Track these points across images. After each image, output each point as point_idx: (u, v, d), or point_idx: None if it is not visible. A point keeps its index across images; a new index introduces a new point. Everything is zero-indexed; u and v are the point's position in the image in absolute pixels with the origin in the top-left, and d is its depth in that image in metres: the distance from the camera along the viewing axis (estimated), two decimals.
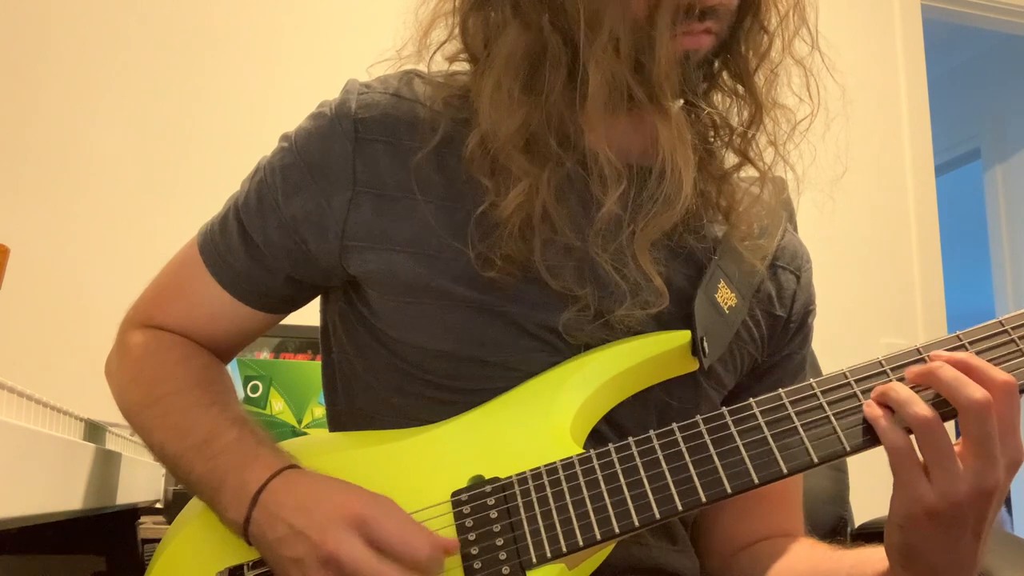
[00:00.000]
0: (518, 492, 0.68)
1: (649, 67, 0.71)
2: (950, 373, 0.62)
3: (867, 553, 0.72)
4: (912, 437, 0.62)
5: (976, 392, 0.61)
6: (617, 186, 0.73)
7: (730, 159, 0.82)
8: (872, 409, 0.64)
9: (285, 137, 0.82)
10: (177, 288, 0.85)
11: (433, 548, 0.63)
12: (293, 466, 0.70)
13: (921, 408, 0.61)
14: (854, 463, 0.91)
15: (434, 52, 0.80)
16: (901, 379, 0.65)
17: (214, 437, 0.72)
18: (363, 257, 0.77)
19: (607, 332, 0.76)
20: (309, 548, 0.63)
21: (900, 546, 0.65)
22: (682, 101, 0.77)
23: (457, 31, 0.79)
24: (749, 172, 0.82)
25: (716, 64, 0.79)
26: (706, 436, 0.67)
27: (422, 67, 0.82)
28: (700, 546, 0.88)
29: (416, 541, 0.63)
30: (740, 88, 0.80)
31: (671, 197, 0.73)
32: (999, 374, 0.62)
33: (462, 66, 0.81)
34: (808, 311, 0.89)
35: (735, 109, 0.80)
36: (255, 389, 1.51)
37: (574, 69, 0.73)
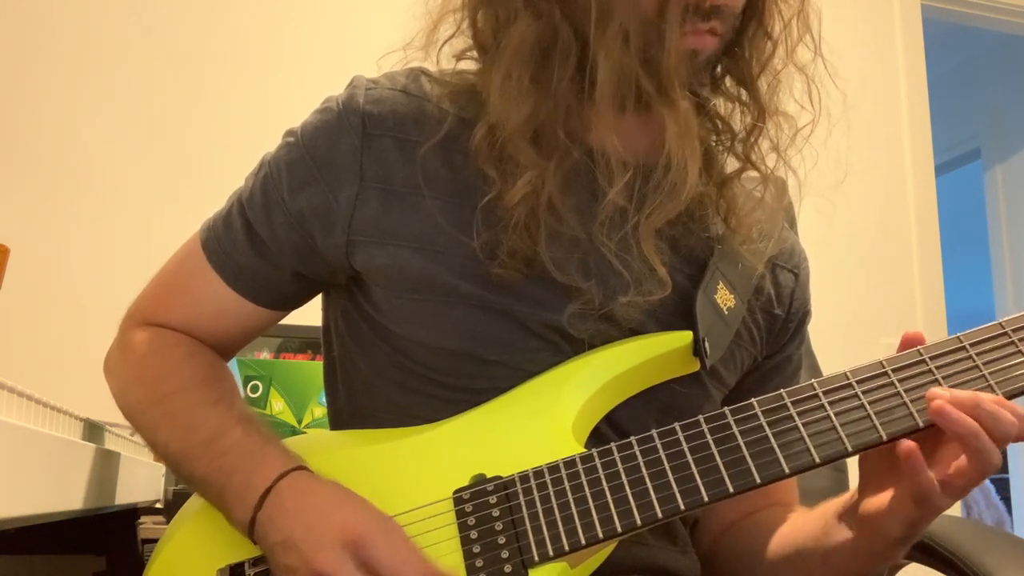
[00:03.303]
0: (520, 490, 0.67)
1: (658, 60, 0.72)
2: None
3: (828, 524, 0.74)
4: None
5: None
6: (622, 176, 0.73)
7: (732, 164, 0.82)
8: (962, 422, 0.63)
9: (290, 132, 0.82)
10: (180, 285, 0.84)
11: None
12: (300, 467, 0.69)
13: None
14: (854, 463, 0.91)
15: (441, 46, 0.80)
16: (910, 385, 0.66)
17: (219, 435, 0.72)
18: (369, 252, 0.77)
19: (610, 327, 0.76)
20: (302, 561, 0.63)
21: (905, 536, 0.67)
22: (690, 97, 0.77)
23: (465, 25, 0.80)
24: (750, 175, 0.82)
25: (720, 68, 0.80)
26: (708, 436, 0.67)
27: (428, 63, 0.82)
28: (692, 529, 0.88)
29: (408, 569, 0.62)
30: (743, 93, 0.80)
31: (676, 187, 0.73)
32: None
33: (468, 64, 0.81)
34: (806, 311, 0.90)
35: (738, 114, 0.81)
36: (255, 389, 1.51)
37: (583, 61, 0.74)
